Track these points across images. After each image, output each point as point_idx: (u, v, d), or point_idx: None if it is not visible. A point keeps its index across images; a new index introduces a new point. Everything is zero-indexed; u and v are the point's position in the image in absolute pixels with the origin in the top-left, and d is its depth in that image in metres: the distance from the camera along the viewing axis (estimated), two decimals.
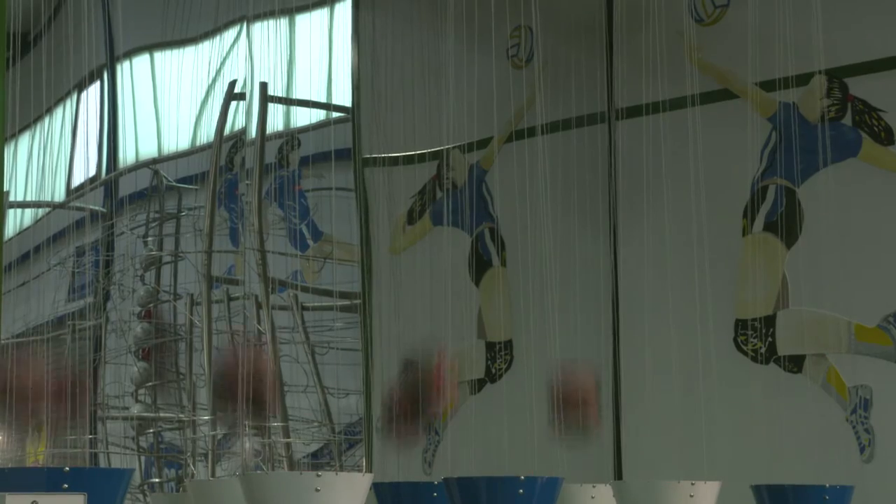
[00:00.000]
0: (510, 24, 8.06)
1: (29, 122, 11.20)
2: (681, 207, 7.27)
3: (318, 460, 9.88)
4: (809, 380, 7.22)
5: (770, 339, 7.36)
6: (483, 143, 8.51)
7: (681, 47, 7.63)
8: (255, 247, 9.33)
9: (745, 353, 7.46)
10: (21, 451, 11.88)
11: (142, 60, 11.90)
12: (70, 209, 12.07)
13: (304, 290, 10.07)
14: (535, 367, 7.50)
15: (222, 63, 10.57)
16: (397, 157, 9.11)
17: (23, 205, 11.57)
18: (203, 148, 10.68)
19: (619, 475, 7.76)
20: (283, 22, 9.80)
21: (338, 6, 10.12)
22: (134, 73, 12.04)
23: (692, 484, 4.07)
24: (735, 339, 7.50)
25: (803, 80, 7.23)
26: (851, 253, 7.09)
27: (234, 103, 10.14)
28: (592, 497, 4.42)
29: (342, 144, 9.36)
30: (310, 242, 10.23)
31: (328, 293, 9.74)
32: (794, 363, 7.28)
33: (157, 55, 11.69)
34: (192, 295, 10.35)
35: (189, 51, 11.01)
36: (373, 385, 9.04)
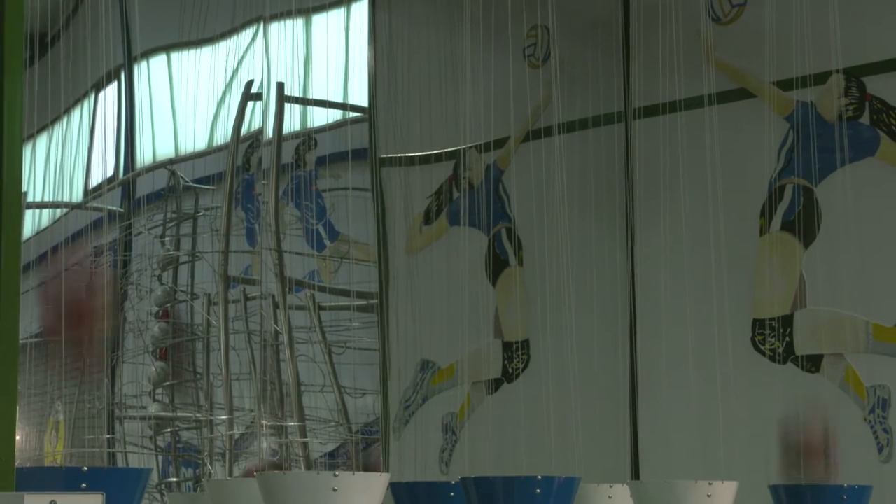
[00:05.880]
0: (526, 24, 8.06)
1: (47, 122, 11.22)
2: (698, 207, 7.26)
3: (335, 460, 9.89)
4: (827, 380, 7.20)
5: (787, 338, 7.35)
6: (500, 143, 8.51)
7: (698, 46, 7.62)
8: (272, 247, 9.34)
9: (763, 353, 7.44)
10: (39, 451, 11.92)
11: (159, 61, 11.93)
12: (88, 209, 12.10)
13: (321, 289, 10.08)
14: (551, 366, 7.50)
15: (239, 63, 10.59)
16: (414, 156, 9.12)
17: (41, 205, 11.60)
18: (220, 148, 10.70)
19: (636, 475, 7.75)
20: (300, 22, 9.81)
21: (354, 6, 10.12)
22: (151, 73, 12.06)
23: (710, 484, 4.06)
24: (752, 339, 7.48)
25: (821, 78, 7.21)
26: (869, 252, 7.07)
27: (250, 103, 10.15)
28: (609, 497, 4.41)
29: (359, 144, 9.36)
30: (326, 242, 10.23)
31: (345, 293, 9.75)
32: (812, 363, 7.26)
33: (175, 56, 11.71)
34: (209, 295, 10.37)
35: (206, 51, 11.02)
36: (389, 385, 9.04)
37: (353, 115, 9.73)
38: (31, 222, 11.87)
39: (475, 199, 8.66)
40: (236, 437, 9.94)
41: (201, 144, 11.28)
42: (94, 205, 11.95)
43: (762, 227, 7.52)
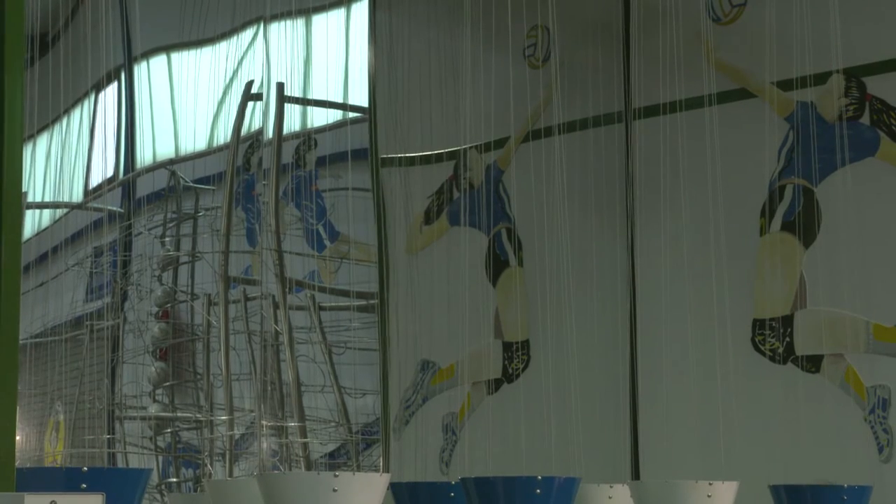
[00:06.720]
0: (527, 24, 8.06)
1: (47, 122, 11.23)
2: (698, 207, 7.26)
3: (336, 460, 9.89)
4: (827, 380, 7.20)
5: (788, 338, 7.35)
6: (500, 143, 8.51)
7: (698, 46, 7.62)
8: (272, 247, 9.35)
9: (763, 353, 7.44)
10: (39, 451, 11.92)
11: (159, 61, 11.93)
12: (88, 210, 12.10)
13: (321, 290, 10.08)
14: (552, 366, 7.50)
15: (239, 63, 10.59)
16: (414, 157, 9.12)
17: (41, 205, 11.60)
18: (220, 148, 10.70)
19: (636, 475, 7.75)
20: (300, 22, 9.82)
21: (354, 6, 10.12)
22: (151, 73, 12.06)
23: (710, 484, 4.06)
24: (753, 339, 7.48)
25: (821, 79, 7.21)
26: (869, 252, 7.07)
27: (251, 104, 10.15)
28: (610, 497, 4.41)
29: (359, 144, 9.37)
30: (326, 243, 10.23)
31: (345, 293, 9.75)
32: (812, 363, 7.26)
33: (175, 56, 11.72)
34: (209, 295, 10.37)
35: (206, 51, 11.03)
36: (389, 385, 9.04)
37: (353, 115, 9.73)
38: (31, 222, 11.88)
39: (475, 199, 8.66)
40: (236, 437, 9.94)
41: (201, 144, 11.28)
42: (94, 205, 11.96)
43: (762, 227, 7.52)
